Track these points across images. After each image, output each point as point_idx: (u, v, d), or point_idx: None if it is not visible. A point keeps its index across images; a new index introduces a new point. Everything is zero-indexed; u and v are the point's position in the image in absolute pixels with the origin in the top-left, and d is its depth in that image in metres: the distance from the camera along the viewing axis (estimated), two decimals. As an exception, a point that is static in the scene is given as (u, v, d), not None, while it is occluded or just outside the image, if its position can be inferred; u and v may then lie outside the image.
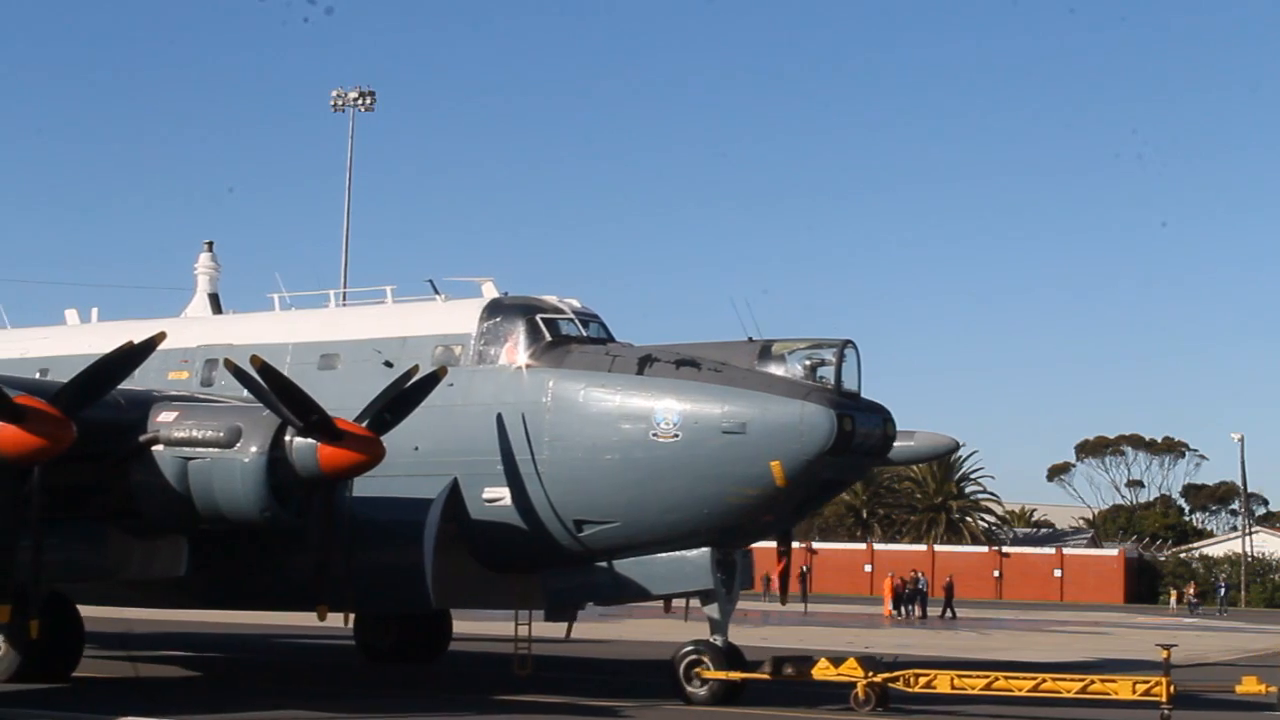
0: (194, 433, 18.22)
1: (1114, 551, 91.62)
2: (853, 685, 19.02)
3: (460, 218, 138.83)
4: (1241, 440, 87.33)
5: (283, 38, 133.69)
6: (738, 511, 19.00)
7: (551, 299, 20.79)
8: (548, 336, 20.25)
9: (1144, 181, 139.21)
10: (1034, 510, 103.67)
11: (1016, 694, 18.85)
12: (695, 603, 20.23)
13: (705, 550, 19.24)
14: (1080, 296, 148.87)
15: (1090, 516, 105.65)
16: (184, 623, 28.43)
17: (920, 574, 60.59)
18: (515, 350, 20.25)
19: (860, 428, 18.84)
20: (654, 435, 19.05)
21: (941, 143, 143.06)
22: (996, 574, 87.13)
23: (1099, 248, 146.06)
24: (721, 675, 19.19)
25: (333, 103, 64.38)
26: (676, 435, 18.94)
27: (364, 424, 18.52)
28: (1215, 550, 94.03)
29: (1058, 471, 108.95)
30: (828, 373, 19.04)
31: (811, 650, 24.44)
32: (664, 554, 19.44)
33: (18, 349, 23.82)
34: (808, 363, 19.11)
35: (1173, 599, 79.98)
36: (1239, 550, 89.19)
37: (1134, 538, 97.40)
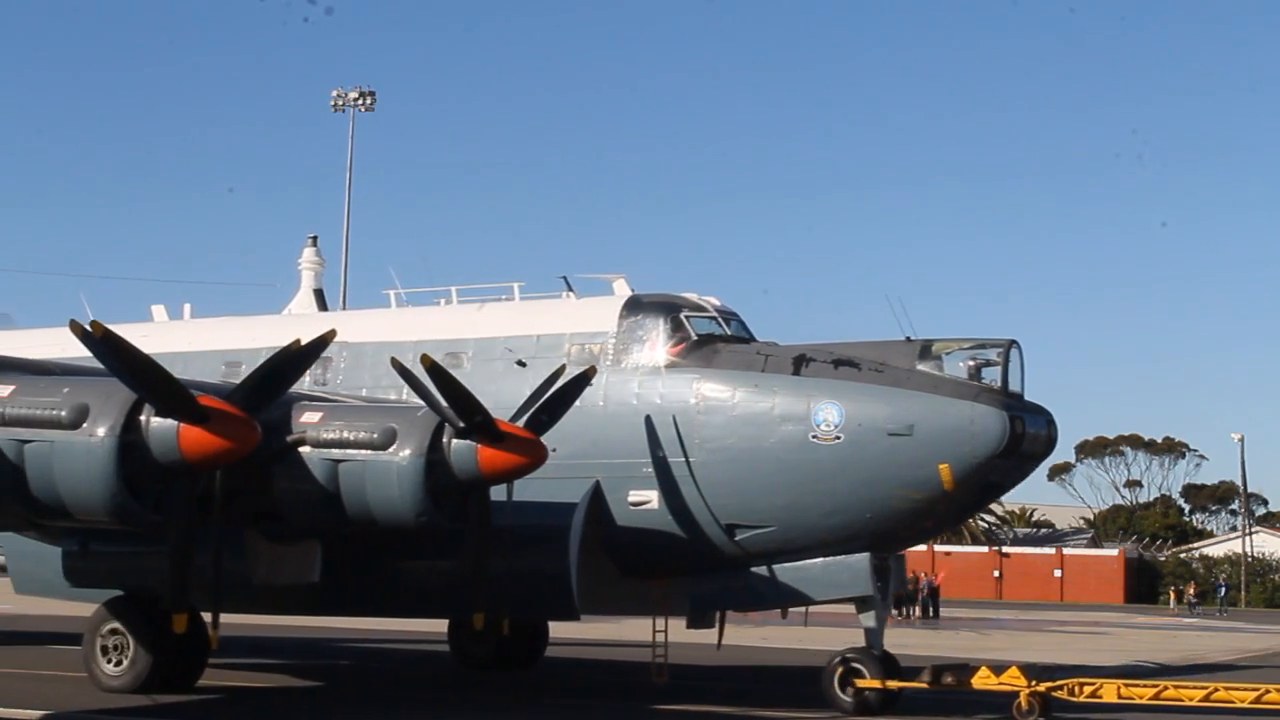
0: (345, 434, 17.50)
1: (1114, 552, 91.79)
2: (1014, 695, 18.47)
3: (460, 217, 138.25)
4: (1241, 440, 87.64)
5: (283, 38, 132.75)
6: (901, 515, 18.45)
7: (692, 296, 20.18)
8: (692, 335, 19.64)
9: (1144, 181, 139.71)
10: (1034, 510, 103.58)
11: (1187, 704, 18.33)
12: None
13: (864, 555, 18.68)
14: (1080, 296, 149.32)
15: (1090, 516, 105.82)
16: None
17: (922, 574, 60.14)
18: (658, 349, 19.62)
19: (1029, 430, 18.32)
20: (814, 437, 18.45)
21: (941, 143, 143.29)
22: (996, 574, 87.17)
23: (1099, 248, 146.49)
24: (878, 684, 18.61)
25: (333, 103, 64.25)
26: (838, 437, 18.36)
27: (519, 425, 17.87)
28: (1215, 550, 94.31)
29: (1058, 471, 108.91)
30: (991, 373, 18.52)
31: (812, 650, 24.07)
32: (820, 559, 18.86)
33: (110, 348, 22.97)
34: (971, 363, 18.59)
35: (1173, 599, 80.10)
36: (1239, 550, 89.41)
37: (1134, 538, 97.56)
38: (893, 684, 18.71)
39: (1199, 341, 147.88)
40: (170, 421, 15.17)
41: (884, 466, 18.22)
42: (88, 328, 14.87)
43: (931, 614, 55.02)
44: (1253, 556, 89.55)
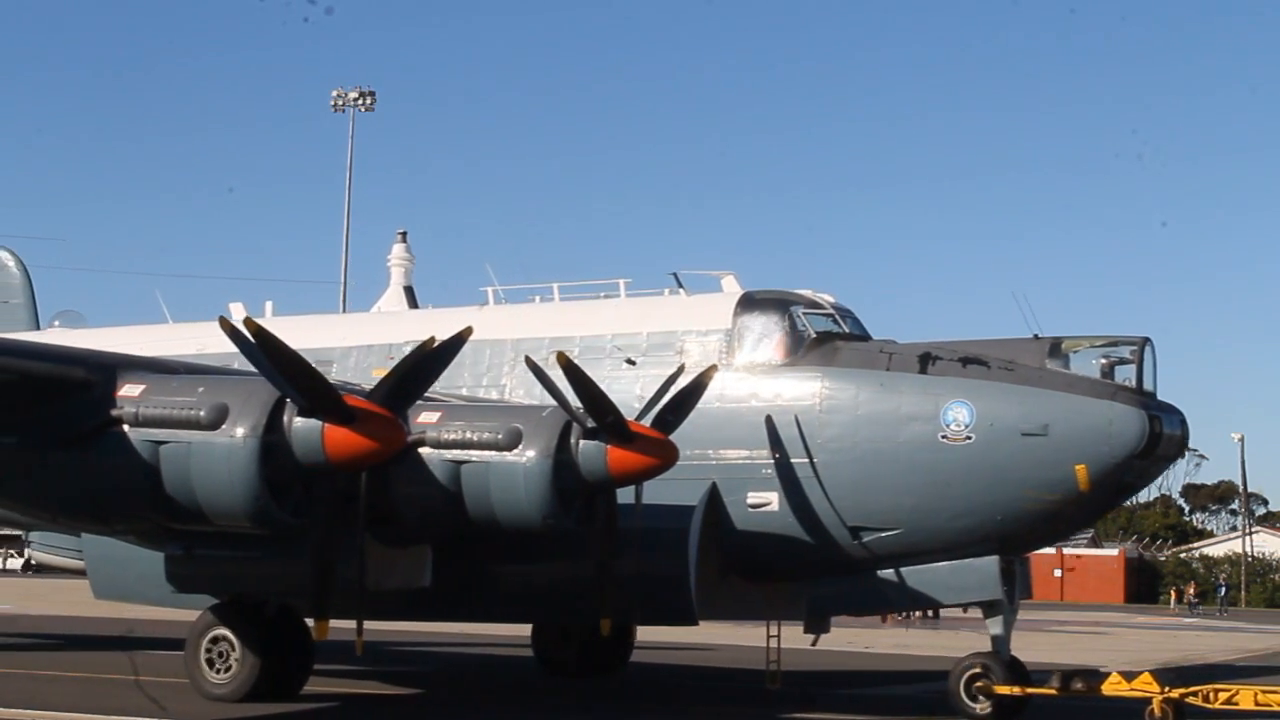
0: (467, 434, 16.98)
1: (1114, 551, 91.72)
2: (1147, 702, 18.03)
3: (460, 217, 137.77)
4: (1241, 440, 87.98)
5: (283, 38, 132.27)
6: (1033, 518, 18.00)
7: (807, 293, 19.70)
8: (811, 332, 19.17)
9: (1144, 181, 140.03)
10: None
11: (1327, 709, 17.93)
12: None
13: (993, 558, 18.23)
14: (1080, 296, 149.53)
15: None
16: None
17: None
18: (776, 347, 19.14)
19: (1166, 430, 17.90)
20: (943, 437, 18.00)
21: (941, 142, 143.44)
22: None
23: (1099, 247, 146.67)
24: (1007, 690, 18.16)
25: (333, 103, 64.15)
26: (969, 437, 17.90)
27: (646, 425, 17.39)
28: (1215, 550, 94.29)
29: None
30: (1125, 371, 18.10)
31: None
32: (946, 562, 18.40)
33: (193, 345, 22.33)
34: (1103, 361, 18.15)
35: (1173, 599, 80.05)
36: (1239, 550, 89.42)
37: (1134, 538, 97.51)
38: (1021, 690, 18.27)
39: (1199, 341, 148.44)
40: (315, 421, 14.68)
41: (1017, 467, 17.77)
42: (237, 325, 14.38)
43: (932, 614, 54.49)
44: (1253, 556, 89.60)
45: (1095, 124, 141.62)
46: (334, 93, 63.95)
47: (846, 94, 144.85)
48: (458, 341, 15.90)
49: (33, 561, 29.15)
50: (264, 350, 14.18)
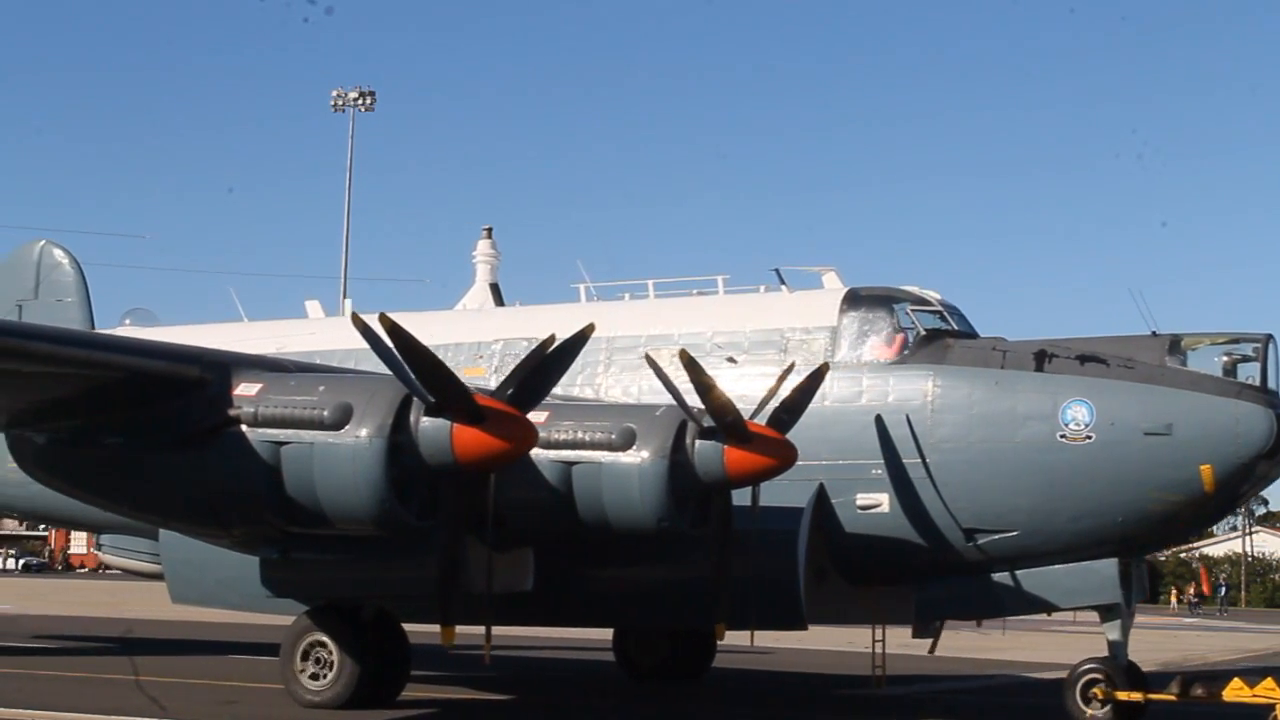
0: (578, 434, 16.52)
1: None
2: (1270, 708, 17.58)
3: (459, 217, 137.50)
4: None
5: (283, 38, 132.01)
6: (1155, 519, 17.54)
7: (914, 289, 19.24)
8: (920, 330, 18.72)
9: (1144, 181, 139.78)
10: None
11: None
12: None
13: (1112, 560, 17.78)
14: (1079, 296, 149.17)
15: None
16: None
17: None
18: (884, 345, 18.69)
19: None
20: (1061, 437, 17.54)
21: (941, 142, 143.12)
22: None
23: (1099, 247, 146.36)
24: (1126, 696, 17.71)
25: (333, 103, 64.15)
26: (1089, 437, 17.45)
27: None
28: (1215, 550, 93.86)
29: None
30: (1249, 369, 17.64)
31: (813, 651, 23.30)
32: (1064, 564, 17.94)
33: (272, 344, 21.89)
34: (1225, 358, 17.72)
35: (1173, 599, 79.69)
36: (1239, 550, 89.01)
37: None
38: (1139, 696, 17.82)
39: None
40: (443, 421, 14.21)
41: (1139, 467, 17.31)
42: (369, 321, 13.94)
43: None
44: (1253, 556, 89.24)
45: (1095, 124, 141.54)
46: (334, 93, 64.13)
47: (842, 94, 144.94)
48: (581, 339, 15.44)
49: (101, 564, 28.65)
50: (400, 347, 13.72)
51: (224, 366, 15.22)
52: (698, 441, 16.53)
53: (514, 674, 23.52)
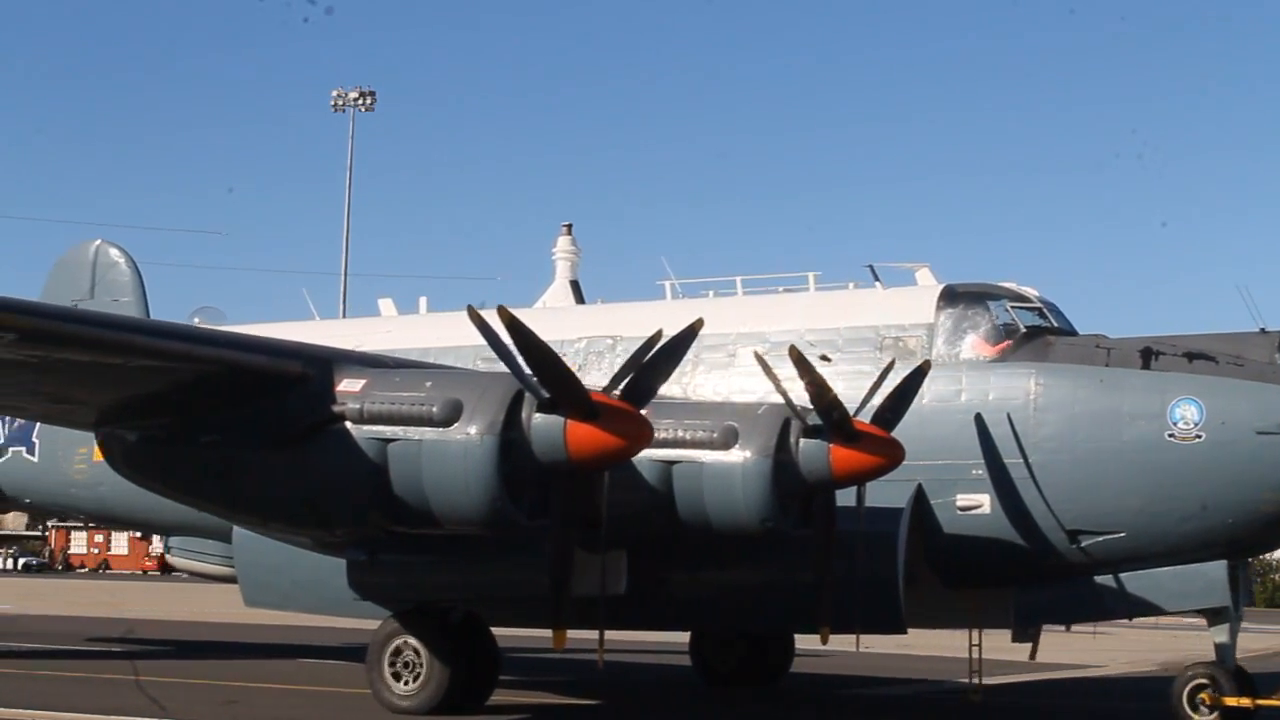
0: (678, 433, 16.15)
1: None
2: (1383, 713, 17.17)
3: (459, 217, 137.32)
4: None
5: (283, 38, 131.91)
6: (1267, 520, 17.08)
7: (1011, 285, 18.82)
8: (1020, 327, 18.29)
9: (1144, 181, 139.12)
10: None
11: None
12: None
13: (1220, 563, 17.33)
14: (1080, 296, 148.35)
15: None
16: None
17: None
18: (984, 342, 18.25)
19: None
20: (1170, 436, 17.08)
21: (941, 142, 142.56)
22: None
23: (1099, 247, 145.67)
24: (1235, 702, 17.25)
25: (333, 103, 64.31)
26: (1199, 436, 16.99)
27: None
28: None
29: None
30: (1361, 367, 17.18)
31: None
32: (1171, 567, 17.50)
33: (347, 342, 21.47)
34: (1337, 355, 17.25)
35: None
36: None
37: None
38: (1250, 701, 17.37)
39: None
40: (556, 417, 13.83)
41: (1251, 467, 16.84)
42: (485, 314, 13.58)
43: None
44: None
45: (1095, 124, 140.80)
46: (334, 93, 64.27)
47: (843, 93, 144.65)
48: (690, 335, 15.05)
49: (169, 566, 28.41)
50: (519, 341, 13.36)
51: (325, 362, 14.88)
52: (802, 440, 16.15)
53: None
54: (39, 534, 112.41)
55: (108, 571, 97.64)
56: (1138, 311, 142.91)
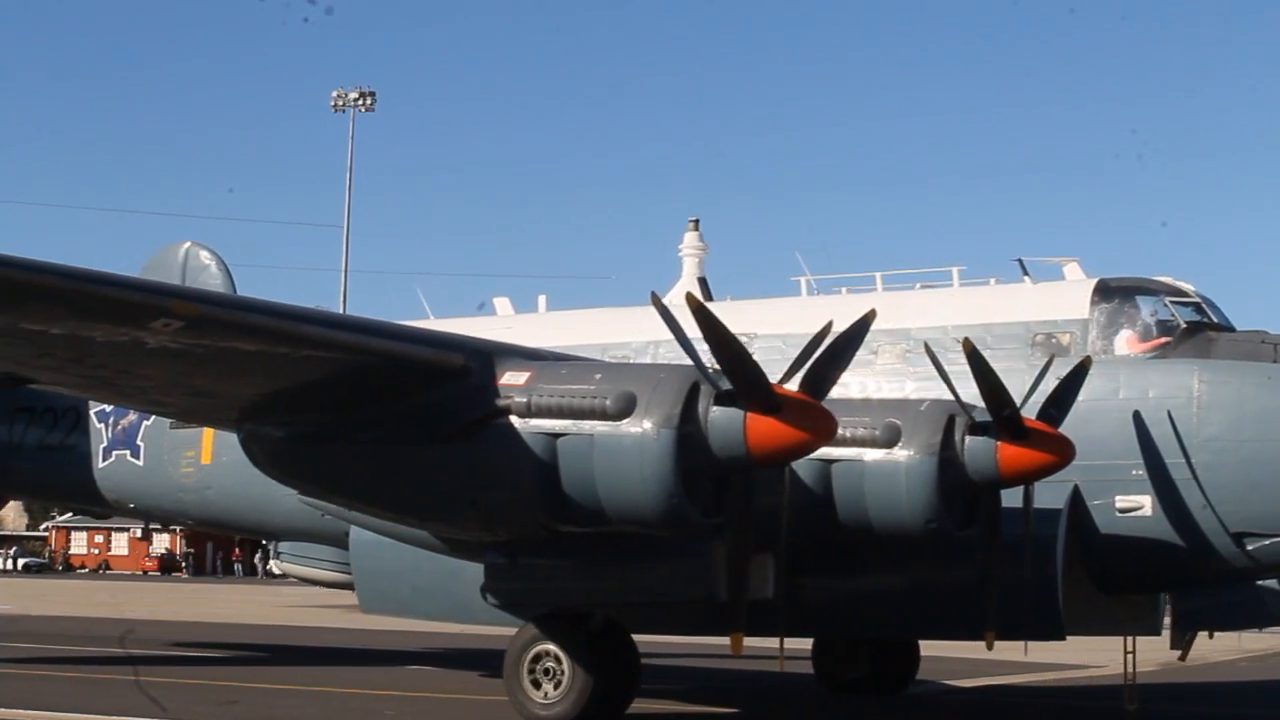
0: (844, 431, 15.53)
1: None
2: None
3: (459, 217, 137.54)
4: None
5: (283, 38, 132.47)
6: None
7: (1167, 280, 18.18)
8: (1180, 323, 17.64)
9: (1144, 181, 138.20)
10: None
11: None
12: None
13: (1397, 568, 16.66)
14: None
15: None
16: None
17: None
18: (1141, 338, 17.61)
19: None
20: None
21: (941, 142, 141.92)
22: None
23: (1099, 247, 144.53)
24: None
25: (333, 103, 64.53)
26: None
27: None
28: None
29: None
30: None
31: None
32: (1342, 571, 16.86)
33: (473, 341, 21.04)
34: None
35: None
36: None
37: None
38: None
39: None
40: (735, 410, 13.27)
41: None
42: (666, 303, 13.06)
43: None
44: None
45: (1095, 124, 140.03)
46: (334, 93, 64.50)
47: (843, 93, 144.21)
48: (864, 326, 14.50)
49: (276, 571, 28.06)
50: (707, 330, 12.83)
51: (487, 354, 14.36)
52: (968, 437, 15.56)
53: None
54: (39, 534, 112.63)
55: (108, 572, 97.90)
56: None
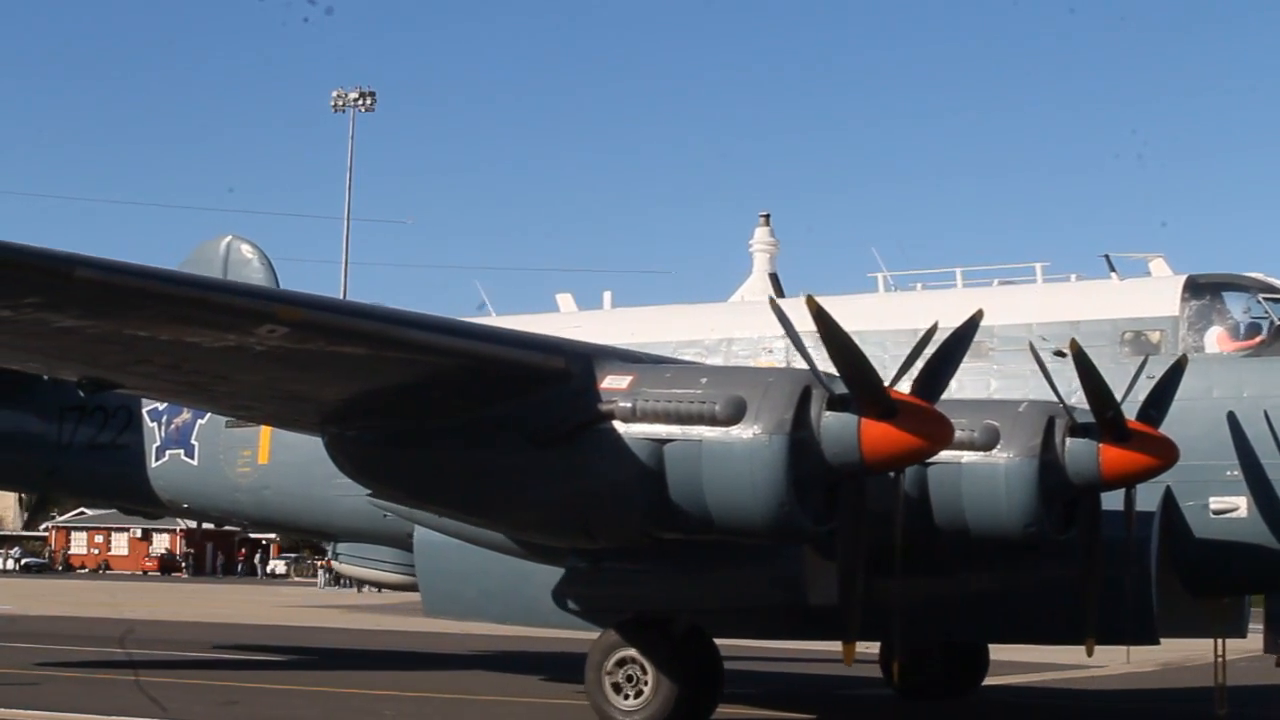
0: None
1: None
2: None
3: (460, 217, 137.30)
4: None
5: (283, 38, 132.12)
6: None
7: (1258, 276, 17.82)
8: (1274, 319, 17.28)
9: (1144, 181, 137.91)
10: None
11: None
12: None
13: None
14: None
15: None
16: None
17: None
18: (1234, 335, 17.25)
19: None
20: None
21: (941, 142, 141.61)
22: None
23: (1098, 248, 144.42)
24: None
25: (333, 103, 65.14)
26: None
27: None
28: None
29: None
30: None
31: None
32: None
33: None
34: None
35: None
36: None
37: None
38: None
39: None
40: (849, 415, 12.92)
41: None
42: (782, 305, 12.71)
43: None
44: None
45: (1095, 124, 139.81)
46: (334, 93, 64.96)
47: (844, 94, 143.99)
48: (973, 325, 14.15)
49: (335, 573, 27.73)
50: (825, 333, 12.47)
51: (587, 357, 14.00)
52: (1069, 439, 15.21)
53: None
54: (39, 534, 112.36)
55: (108, 572, 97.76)
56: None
